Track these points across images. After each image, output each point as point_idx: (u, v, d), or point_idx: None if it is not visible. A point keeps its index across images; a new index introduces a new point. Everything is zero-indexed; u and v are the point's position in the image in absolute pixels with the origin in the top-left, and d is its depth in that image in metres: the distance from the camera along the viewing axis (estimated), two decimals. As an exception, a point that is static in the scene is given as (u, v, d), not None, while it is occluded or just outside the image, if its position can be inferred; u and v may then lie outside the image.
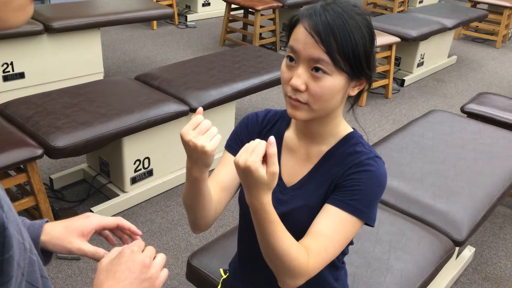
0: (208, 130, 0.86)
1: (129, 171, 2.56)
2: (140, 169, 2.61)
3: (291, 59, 0.92)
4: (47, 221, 0.83)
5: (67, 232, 0.83)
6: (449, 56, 5.19)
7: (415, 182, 2.03)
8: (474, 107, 2.91)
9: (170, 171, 2.79)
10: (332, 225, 0.93)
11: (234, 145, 1.10)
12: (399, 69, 4.66)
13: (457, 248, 1.89)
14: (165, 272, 0.73)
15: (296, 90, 0.91)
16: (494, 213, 2.80)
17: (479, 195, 2.00)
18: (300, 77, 0.90)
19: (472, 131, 2.51)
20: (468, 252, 2.40)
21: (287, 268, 0.88)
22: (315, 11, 0.90)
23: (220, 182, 1.05)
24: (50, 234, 0.82)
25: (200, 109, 0.89)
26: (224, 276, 1.33)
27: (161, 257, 0.75)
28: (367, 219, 0.95)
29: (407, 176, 2.07)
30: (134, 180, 2.60)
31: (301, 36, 0.89)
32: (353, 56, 0.88)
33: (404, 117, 3.92)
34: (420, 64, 4.67)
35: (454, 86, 4.66)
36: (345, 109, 1.03)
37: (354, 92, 0.96)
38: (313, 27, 0.88)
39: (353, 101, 1.03)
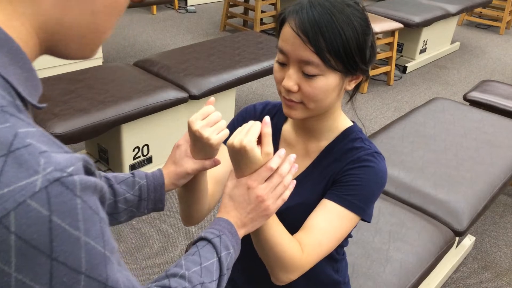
0: (217, 123, 0.84)
1: (128, 158, 2.54)
2: (139, 156, 2.60)
3: (281, 62, 0.88)
4: (159, 169, 0.92)
5: (176, 165, 0.90)
6: (452, 42, 5.13)
7: (416, 171, 2.02)
8: (476, 95, 2.87)
9: (170, 158, 2.77)
10: (328, 220, 0.91)
11: (230, 137, 1.07)
12: (402, 56, 4.61)
13: (457, 238, 1.88)
14: (280, 201, 0.79)
15: (289, 91, 0.88)
16: (495, 202, 2.78)
17: (481, 185, 1.98)
18: (291, 78, 0.86)
19: (475, 120, 2.49)
20: (468, 241, 2.39)
21: (279, 261, 0.86)
22: (301, 7, 0.85)
23: (214, 176, 1.03)
24: (167, 176, 0.90)
25: (212, 99, 0.87)
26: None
27: (281, 187, 0.79)
28: (364, 214, 0.93)
29: (408, 165, 2.05)
30: (133, 167, 2.59)
31: (288, 37, 0.85)
32: (345, 53, 0.84)
33: (406, 105, 3.89)
34: (423, 50, 4.62)
35: (457, 73, 4.61)
36: (345, 100, 1.01)
37: (350, 86, 0.92)
38: (299, 26, 0.83)
39: (351, 93, 0.99)
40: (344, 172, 0.93)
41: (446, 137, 2.30)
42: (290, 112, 0.91)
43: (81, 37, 0.53)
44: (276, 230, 0.85)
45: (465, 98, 2.92)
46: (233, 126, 1.08)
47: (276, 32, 0.92)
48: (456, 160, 2.12)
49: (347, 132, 0.99)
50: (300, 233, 0.91)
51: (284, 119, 1.05)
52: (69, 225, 0.43)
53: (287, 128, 1.04)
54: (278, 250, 0.85)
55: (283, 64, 0.89)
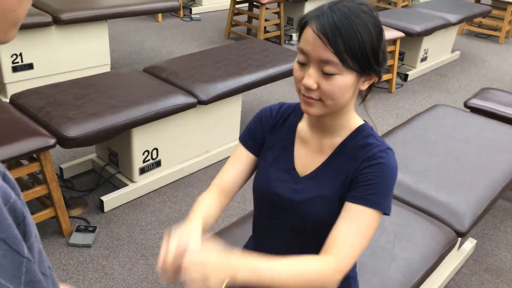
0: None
1: (137, 162, 2.61)
2: (149, 160, 2.66)
3: (302, 62, 0.96)
4: None
5: None
6: (452, 51, 5.22)
7: (418, 175, 2.08)
8: (477, 102, 2.95)
9: (178, 162, 2.84)
10: (356, 223, 0.98)
11: (248, 139, 1.15)
12: (403, 64, 4.69)
13: (459, 239, 1.94)
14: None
15: (308, 89, 0.95)
16: (495, 207, 2.84)
17: (482, 188, 2.05)
18: (311, 77, 0.94)
19: (475, 126, 2.56)
20: (470, 244, 2.45)
21: (317, 285, 0.93)
22: (322, 12, 0.93)
23: (226, 184, 1.13)
24: None
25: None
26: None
27: None
28: (385, 209, 1.01)
29: (411, 169, 2.12)
30: (142, 171, 2.65)
31: (309, 38, 0.93)
32: (361, 54, 0.92)
33: (407, 112, 3.96)
34: (424, 59, 4.70)
35: (457, 81, 4.69)
36: (357, 102, 1.08)
37: (364, 86, 1.01)
38: (320, 28, 0.91)
39: (364, 95, 1.07)
40: (360, 171, 1.00)
41: (447, 142, 2.37)
42: (308, 109, 0.98)
43: None
44: (296, 271, 0.91)
45: (465, 105, 2.99)
46: (250, 129, 1.16)
47: (297, 35, 1.00)
48: (457, 164, 2.19)
49: (359, 130, 1.06)
50: (329, 241, 0.98)
51: (299, 118, 1.13)
52: None
53: (302, 126, 1.11)
54: (311, 282, 0.91)
55: (302, 64, 0.96)
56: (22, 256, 0.45)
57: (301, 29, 0.97)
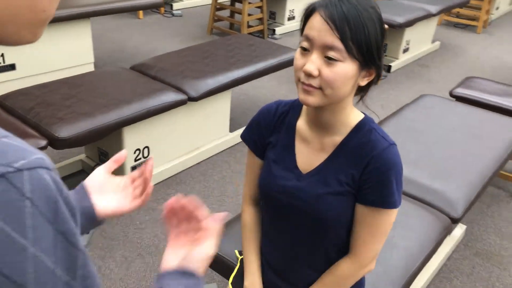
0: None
1: (129, 161, 2.59)
2: (140, 158, 2.65)
3: (304, 49, 0.96)
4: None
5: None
6: (432, 41, 5.30)
7: (411, 164, 2.12)
8: (462, 91, 3.01)
9: (169, 160, 2.83)
10: (371, 224, 1.04)
11: (251, 142, 1.18)
12: (385, 55, 4.75)
13: (453, 225, 1.99)
14: None
15: (309, 75, 0.94)
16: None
17: (472, 175, 2.10)
18: (313, 63, 0.94)
19: (462, 115, 2.62)
20: (460, 230, 2.51)
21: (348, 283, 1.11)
22: (330, 2, 0.94)
23: (254, 192, 1.23)
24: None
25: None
26: (241, 257, 1.38)
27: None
28: (397, 205, 1.04)
29: (404, 159, 2.10)
30: (134, 169, 2.63)
31: (316, 24, 0.94)
32: (366, 45, 0.93)
33: (392, 103, 4.02)
34: (406, 50, 4.77)
35: (438, 71, 4.78)
36: (355, 100, 1.09)
37: (363, 82, 1.01)
38: (328, 15, 0.92)
39: (362, 93, 1.08)
40: (368, 173, 1.01)
41: (436, 131, 2.42)
42: (306, 98, 0.97)
43: (18, 18, 0.47)
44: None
45: (451, 94, 3.05)
46: (251, 132, 1.17)
47: (301, 23, 1.00)
48: (447, 152, 2.24)
49: (360, 126, 1.06)
50: (352, 244, 1.08)
51: (297, 115, 1.12)
52: (15, 231, 0.36)
53: (301, 124, 1.10)
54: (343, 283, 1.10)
55: (305, 51, 0.96)
56: (78, 249, 0.44)
57: (306, 17, 0.97)
